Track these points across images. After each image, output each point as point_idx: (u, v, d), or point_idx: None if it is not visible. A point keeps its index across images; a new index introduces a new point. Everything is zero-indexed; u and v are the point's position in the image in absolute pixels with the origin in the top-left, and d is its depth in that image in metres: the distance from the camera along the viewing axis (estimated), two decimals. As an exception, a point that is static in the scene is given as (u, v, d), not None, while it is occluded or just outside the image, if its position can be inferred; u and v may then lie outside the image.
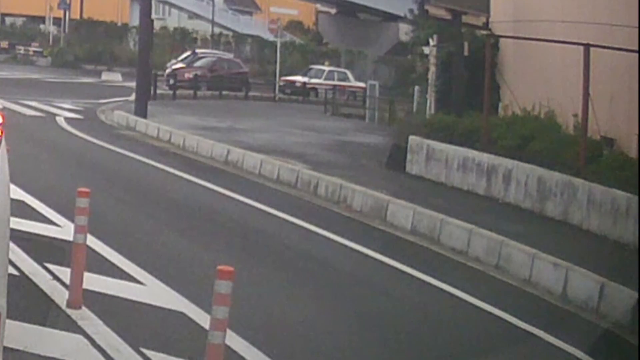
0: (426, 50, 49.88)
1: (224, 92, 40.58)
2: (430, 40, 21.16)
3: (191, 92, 38.95)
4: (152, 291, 9.08)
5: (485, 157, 17.10)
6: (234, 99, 40.17)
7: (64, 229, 11.23)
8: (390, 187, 16.12)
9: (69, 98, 33.18)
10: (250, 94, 41.77)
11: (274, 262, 11.07)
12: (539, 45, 18.58)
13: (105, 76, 51.71)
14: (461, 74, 20.08)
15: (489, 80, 18.60)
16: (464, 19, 20.36)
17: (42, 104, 29.93)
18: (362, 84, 46.16)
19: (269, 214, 14.06)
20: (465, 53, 19.89)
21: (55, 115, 26.98)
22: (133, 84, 41.89)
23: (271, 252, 11.63)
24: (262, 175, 17.85)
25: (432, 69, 20.97)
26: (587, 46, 15.88)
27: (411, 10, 42.40)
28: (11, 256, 9.48)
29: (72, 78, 46.48)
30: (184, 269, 10.23)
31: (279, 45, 44.18)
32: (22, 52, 60.30)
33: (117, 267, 9.82)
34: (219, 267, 6.10)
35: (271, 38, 62.27)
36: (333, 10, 69.90)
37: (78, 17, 63.49)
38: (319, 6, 76.29)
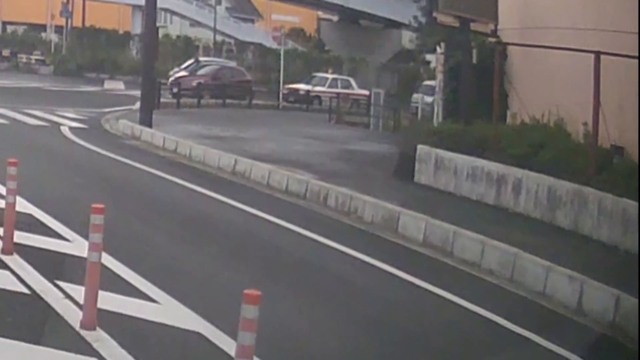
0: (429, 57, 49.87)
1: (228, 101, 40.50)
2: (438, 48, 21.06)
3: (195, 100, 38.83)
4: (167, 310, 8.83)
5: (495, 167, 16.96)
6: (238, 107, 40.06)
7: (74, 244, 11.02)
8: (400, 197, 15.95)
9: (72, 107, 33.07)
10: (254, 102, 41.68)
11: (290, 279, 10.81)
12: (547, 52, 18.46)
13: (107, 84, 51.65)
14: (470, 82, 19.97)
15: (499, 88, 18.48)
16: (472, 26, 20.23)
17: (45, 113, 29.81)
18: (365, 92, 46.07)
19: (281, 227, 13.84)
20: (474, 61, 19.78)
21: (59, 124, 26.83)
22: (136, 93, 42.02)
23: (287, 269, 11.40)
24: (271, 186, 17.66)
25: (440, 76, 20.86)
26: (597, 54, 15.77)
27: (415, 18, 42.56)
28: (21, 273, 9.50)
29: (75, 86, 46.39)
30: (199, 286, 9.99)
31: (282, 53, 44.07)
32: (24, 60, 60.30)
33: (131, 285, 9.57)
34: (246, 292, 5.85)
35: (273, 46, 62.22)
36: (335, 18, 69.88)
37: (80, 25, 63.34)
38: (320, 13, 76.31)
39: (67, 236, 11.53)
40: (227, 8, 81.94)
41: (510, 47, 20.01)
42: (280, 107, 42.38)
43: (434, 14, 19.97)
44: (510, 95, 20.02)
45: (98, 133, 25.97)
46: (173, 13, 71.89)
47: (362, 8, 60.44)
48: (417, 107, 38.58)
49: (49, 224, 12.16)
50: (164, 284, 9.59)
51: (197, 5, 74.21)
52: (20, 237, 10.51)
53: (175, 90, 38.75)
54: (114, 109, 33.73)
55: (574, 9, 18.91)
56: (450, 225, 13.12)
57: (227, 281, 10.35)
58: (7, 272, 9.54)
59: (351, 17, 64.34)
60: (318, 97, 45.30)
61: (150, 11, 27.12)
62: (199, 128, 27.66)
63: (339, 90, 44.74)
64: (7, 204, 10.40)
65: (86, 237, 10.90)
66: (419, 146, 19.00)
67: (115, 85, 51.08)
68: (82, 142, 22.72)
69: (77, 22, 63.59)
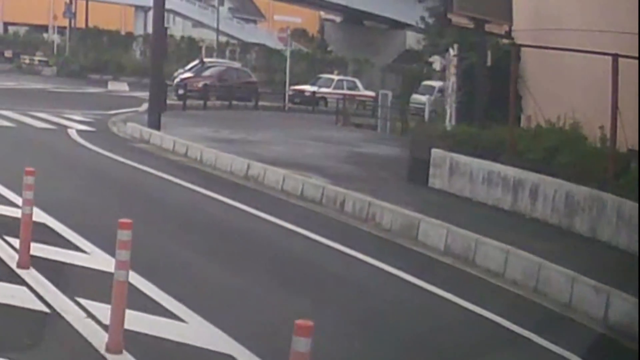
0: (431, 58, 49.56)
1: (234, 102, 40.30)
2: (451, 50, 20.80)
3: (200, 102, 38.60)
4: (196, 330, 8.38)
5: (512, 171, 16.73)
6: (244, 109, 39.86)
7: (92, 257, 10.65)
8: (416, 203, 15.72)
9: (78, 109, 32.83)
10: (260, 103, 41.46)
11: (315, 293, 10.44)
12: (561, 54, 18.25)
13: (111, 86, 51.44)
14: (484, 85, 19.71)
15: (514, 90, 18.24)
16: (486, 27, 19.97)
17: (51, 115, 29.57)
18: (371, 93, 45.93)
19: (301, 235, 13.49)
20: (488, 63, 19.53)
21: (66, 127, 26.57)
22: (140, 94, 41.92)
23: (311, 281, 11.04)
24: (285, 191, 17.34)
25: (453, 79, 20.58)
26: (615, 56, 15.56)
27: (422, 18, 42.25)
28: (39, 289, 9.04)
29: (79, 88, 46.15)
30: (228, 304, 9.53)
31: (288, 54, 43.83)
32: (27, 61, 60.12)
33: (156, 302, 9.08)
34: (298, 322, 5.49)
35: (278, 46, 61.98)
36: (338, 18, 69.69)
37: (83, 26, 63.11)
38: (322, 14, 76.10)
39: (84, 247, 11.12)
40: (229, 9, 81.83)
41: (523, 49, 19.78)
42: (286, 108, 42.16)
43: (448, 15, 19.66)
44: (523, 98, 19.78)
45: (106, 136, 25.69)
46: (176, 14, 71.71)
47: (366, 8, 60.21)
48: (416, 108, 38.48)
49: (65, 234, 11.74)
50: (190, 301, 9.12)
51: (199, 6, 74.11)
52: (35, 249, 10.08)
53: (181, 91, 38.51)
54: (119, 111, 33.50)
55: (589, 10, 18.69)
56: (472, 233, 12.84)
57: (257, 298, 9.97)
58: (24, 288, 9.10)
59: (355, 18, 64.12)
60: (324, 98, 45.12)
61: (158, 12, 26.84)
62: (207, 131, 27.43)
63: (345, 91, 44.54)
64: (23, 214, 9.98)
65: (103, 248, 10.78)
66: (433, 150, 18.77)
67: (119, 87, 50.88)
68: (91, 146, 22.41)
69: (79, 23, 63.31)
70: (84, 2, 61.02)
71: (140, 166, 19.48)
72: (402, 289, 10.92)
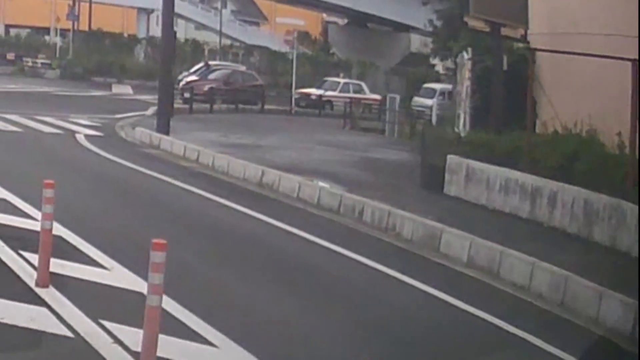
0: (433, 61, 49.24)
1: (240, 106, 40.07)
2: (465, 54, 20.59)
3: (206, 105, 38.37)
4: (228, 355, 8.03)
5: (530, 179, 16.49)
6: (250, 112, 39.65)
7: (113, 273, 10.22)
8: (433, 211, 15.45)
9: (83, 113, 32.54)
10: (265, 107, 41.19)
11: (346, 311, 10.06)
12: (577, 59, 18.03)
13: (115, 89, 51.19)
14: (500, 90, 19.46)
15: (531, 95, 17.99)
16: (502, 31, 19.74)
17: (57, 119, 29.30)
18: (377, 96, 45.68)
19: (323, 247, 13.12)
20: (504, 67, 19.28)
21: (74, 132, 26.27)
22: (145, 97, 41.71)
23: (343, 300, 10.58)
24: (301, 199, 17.00)
25: (467, 83, 20.36)
26: (635, 61, 15.36)
27: (431, 21, 42.01)
28: (61, 311, 8.52)
29: (83, 91, 45.87)
30: (256, 325, 9.09)
31: (295, 57, 43.55)
32: (29, 64, 59.78)
33: (183, 324, 8.61)
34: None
35: (282, 49, 61.73)
36: (342, 21, 69.49)
37: (86, 28, 62.87)
38: (324, 16, 75.88)
39: (104, 263, 10.66)
40: (232, 11, 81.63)
41: (538, 53, 19.57)
42: (292, 112, 41.91)
43: (465, 18, 19.42)
44: (538, 103, 19.55)
45: (115, 141, 25.40)
46: (178, 16, 71.34)
47: (370, 11, 59.97)
48: (417, 111, 38.28)
49: (82, 248, 11.24)
50: (219, 323, 8.65)
51: (202, 8, 73.91)
52: (53, 264, 9.55)
53: (187, 95, 38.25)
54: (126, 114, 33.24)
55: (607, 13, 18.48)
56: (496, 244, 12.54)
57: (289, 319, 9.55)
58: (45, 310, 8.60)
59: (359, 20, 63.92)
60: (330, 101, 44.88)
61: (167, 15, 26.62)
62: (216, 135, 27.19)
63: (351, 95, 44.27)
64: (42, 229, 9.47)
65: (124, 263, 10.46)
66: (449, 156, 18.52)
67: (123, 90, 50.62)
68: (101, 152, 22.11)
69: (82, 25, 63.08)
70: (87, 4, 60.75)
71: (153, 173, 19.11)
72: (430, 305, 10.61)
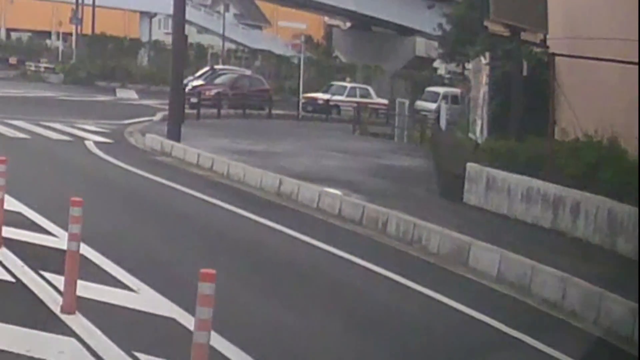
0: (435, 64, 48.99)
1: (247, 111, 39.77)
2: (482, 59, 20.27)
3: (213, 110, 38.05)
4: None
5: (552, 188, 16.17)
6: (258, 117, 39.35)
7: (141, 296, 9.63)
8: (455, 222, 15.10)
9: (90, 118, 32.20)
10: (273, 111, 40.91)
11: (383, 334, 9.52)
12: (596, 64, 17.74)
13: (120, 93, 50.87)
14: (521, 95, 19.11)
15: (553, 102, 17.67)
16: (521, 35, 19.43)
17: (64, 125, 28.95)
18: (384, 101, 45.42)
19: (349, 261, 12.64)
20: (524, 72, 18.95)
21: (83, 139, 25.88)
22: (150, 102, 41.41)
23: (377, 320, 10.13)
24: (322, 210, 16.57)
25: (484, 88, 20.03)
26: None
27: (440, 25, 41.74)
28: (91, 342, 7.86)
29: (87, 96, 45.55)
30: (295, 352, 8.61)
31: (302, 61, 43.22)
32: (32, 68, 59.48)
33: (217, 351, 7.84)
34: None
35: (285, 53, 61.51)
36: (345, 25, 69.16)
37: (89, 32, 62.52)
38: (326, 19, 75.54)
39: (131, 285, 10.04)
40: (235, 14, 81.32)
41: (557, 58, 19.28)
42: (299, 117, 41.60)
43: (485, 22, 19.09)
44: (558, 109, 19.25)
45: (125, 148, 25.04)
46: (181, 19, 71.09)
47: (375, 14, 59.65)
48: (420, 115, 38.05)
49: (107, 268, 10.62)
50: (256, 352, 8.12)
51: (205, 12, 73.58)
52: (78, 286, 8.79)
53: (193, 100, 37.97)
54: (133, 120, 32.93)
55: (627, 18, 18.19)
56: (527, 259, 12.14)
57: (327, 342, 9.12)
58: (73, 340, 7.96)
59: (363, 24, 63.60)
60: (337, 106, 44.57)
61: (178, 20, 26.32)
62: (226, 142, 26.84)
63: (358, 99, 43.98)
64: (69, 251, 8.74)
65: (151, 284, 9.88)
66: (469, 164, 18.20)
67: (128, 94, 50.31)
68: (111, 159, 21.73)
69: (85, 29, 62.75)
70: (90, 8, 60.45)
71: (170, 183, 18.66)
72: (464, 325, 10.17)
